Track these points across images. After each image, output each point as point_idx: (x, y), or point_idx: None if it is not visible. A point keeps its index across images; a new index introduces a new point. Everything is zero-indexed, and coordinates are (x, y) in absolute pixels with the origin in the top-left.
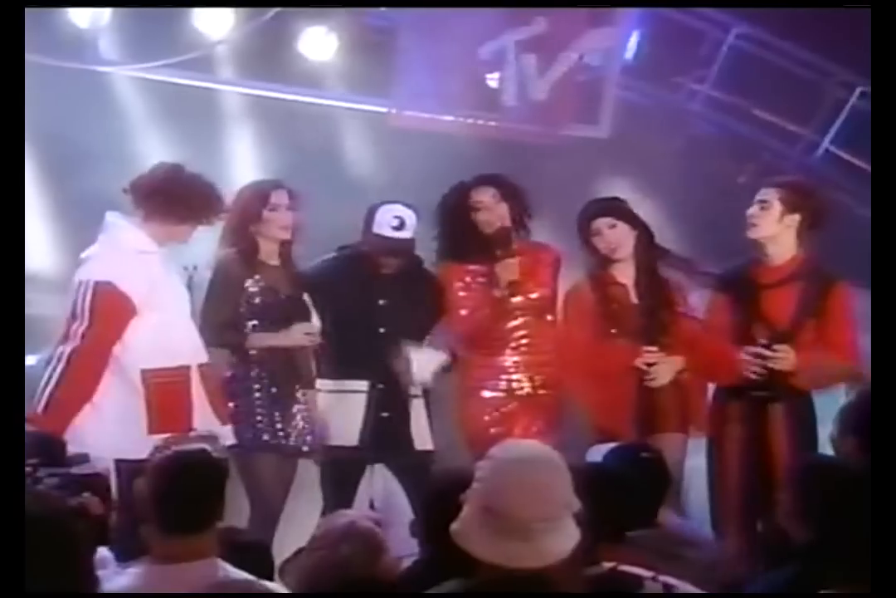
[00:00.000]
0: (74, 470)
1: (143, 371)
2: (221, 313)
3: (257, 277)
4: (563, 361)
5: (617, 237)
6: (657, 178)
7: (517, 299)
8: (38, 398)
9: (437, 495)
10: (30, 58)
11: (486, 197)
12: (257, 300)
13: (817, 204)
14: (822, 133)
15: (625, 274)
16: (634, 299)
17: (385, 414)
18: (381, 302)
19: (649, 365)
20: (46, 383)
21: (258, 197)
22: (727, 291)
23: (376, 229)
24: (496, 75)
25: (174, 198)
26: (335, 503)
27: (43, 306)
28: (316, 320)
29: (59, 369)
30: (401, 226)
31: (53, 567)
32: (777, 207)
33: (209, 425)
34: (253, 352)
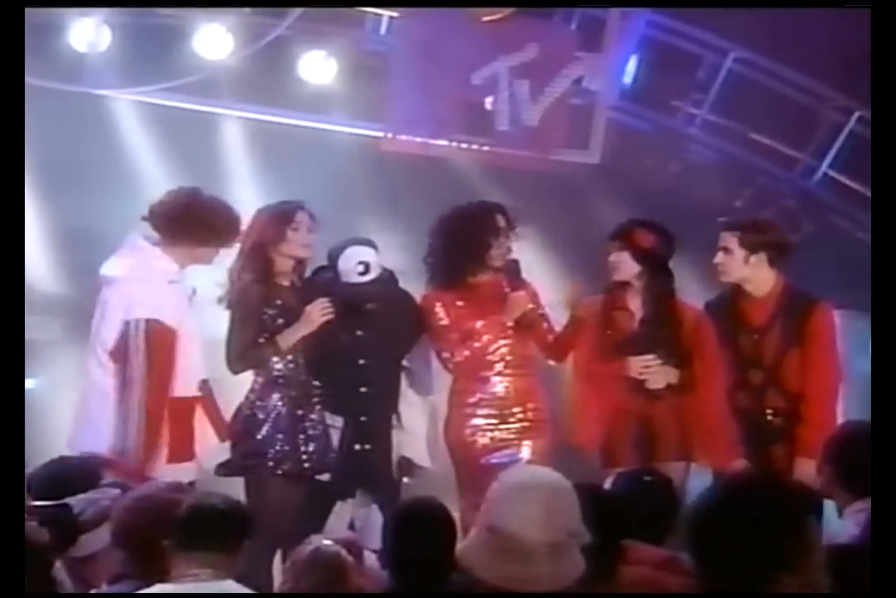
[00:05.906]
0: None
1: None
2: (245, 339)
3: (277, 301)
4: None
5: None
6: (653, 202)
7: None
8: (123, 449)
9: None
10: (28, 80)
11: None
12: (279, 322)
13: (777, 238)
14: (820, 157)
15: (635, 300)
16: (636, 326)
17: (367, 447)
18: (359, 333)
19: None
20: (126, 434)
21: (283, 217)
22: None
23: (344, 279)
24: (489, 100)
25: (196, 221)
26: (305, 529)
27: (42, 330)
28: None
29: (136, 418)
30: (366, 270)
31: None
32: (739, 251)
33: (210, 444)
34: (277, 374)
